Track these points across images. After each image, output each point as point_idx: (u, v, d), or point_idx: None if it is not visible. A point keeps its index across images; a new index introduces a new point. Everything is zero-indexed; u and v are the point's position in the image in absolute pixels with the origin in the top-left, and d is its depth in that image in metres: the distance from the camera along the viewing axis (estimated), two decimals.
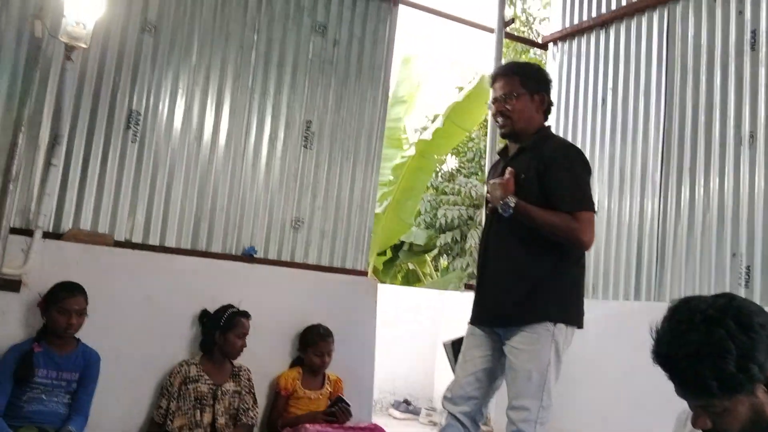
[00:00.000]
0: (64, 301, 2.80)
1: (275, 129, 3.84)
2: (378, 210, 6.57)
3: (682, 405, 1.56)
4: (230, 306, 3.26)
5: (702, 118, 3.69)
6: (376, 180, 4.18)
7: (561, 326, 2.31)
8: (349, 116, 4.06)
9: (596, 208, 2.37)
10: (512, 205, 2.29)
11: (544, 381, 2.27)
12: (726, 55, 3.62)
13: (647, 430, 3.43)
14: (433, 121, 8.61)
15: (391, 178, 6.64)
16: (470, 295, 2.62)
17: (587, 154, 4.30)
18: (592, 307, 4.01)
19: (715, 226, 3.48)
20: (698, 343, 1.22)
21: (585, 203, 2.31)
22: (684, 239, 3.63)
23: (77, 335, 2.88)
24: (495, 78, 2.54)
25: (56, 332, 2.79)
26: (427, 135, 6.60)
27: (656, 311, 1.36)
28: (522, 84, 2.47)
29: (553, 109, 4.71)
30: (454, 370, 2.62)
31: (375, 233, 6.20)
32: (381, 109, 4.19)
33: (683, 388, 1.27)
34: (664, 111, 3.91)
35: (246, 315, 3.24)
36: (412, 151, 6.62)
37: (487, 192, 2.47)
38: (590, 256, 4.20)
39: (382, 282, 7.63)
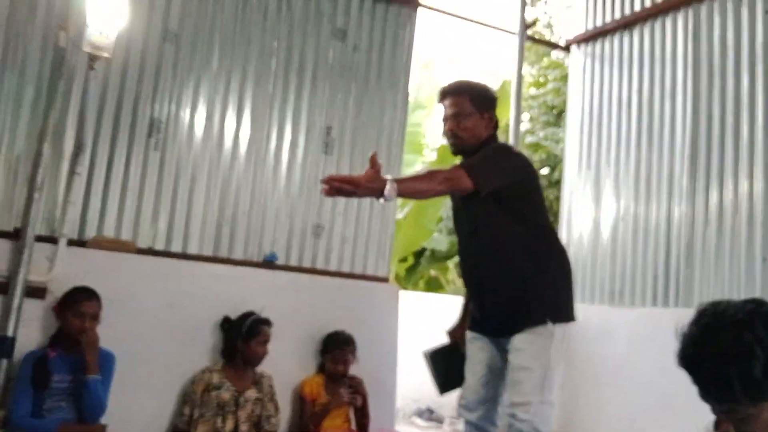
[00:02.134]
0: (79, 305, 2.81)
1: (296, 135, 3.84)
2: (399, 216, 6.55)
3: (709, 413, 1.52)
4: (252, 313, 3.26)
5: (730, 119, 3.61)
6: None
7: (559, 325, 2.34)
8: (370, 121, 4.05)
9: (480, 183, 2.22)
10: (391, 190, 2.06)
11: (545, 377, 2.29)
12: (753, 55, 3.55)
13: (676, 430, 3.37)
14: None
15: None
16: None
17: (611, 158, 4.32)
18: (619, 314, 4.00)
19: (745, 230, 3.40)
20: (725, 346, 1.19)
21: (469, 168, 2.24)
22: (713, 244, 3.55)
23: None
24: (444, 95, 2.54)
25: (70, 335, 2.80)
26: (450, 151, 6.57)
27: (684, 317, 1.34)
28: (472, 103, 2.48)
29: (576, 111, 4.74)
30: (434, 380, 2.69)
31: (396, 240, 6.19)
32: (401, 114, 4.18)
33: (707, 392, 1.24)
34: (691, 113, 3.84)
35: (267, 323, 3.23)
36: (433, 157, 6.60)
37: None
38: (616, 262, 4.14)
39: (404, 288, 7.60)
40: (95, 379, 2.77)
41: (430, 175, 2.26)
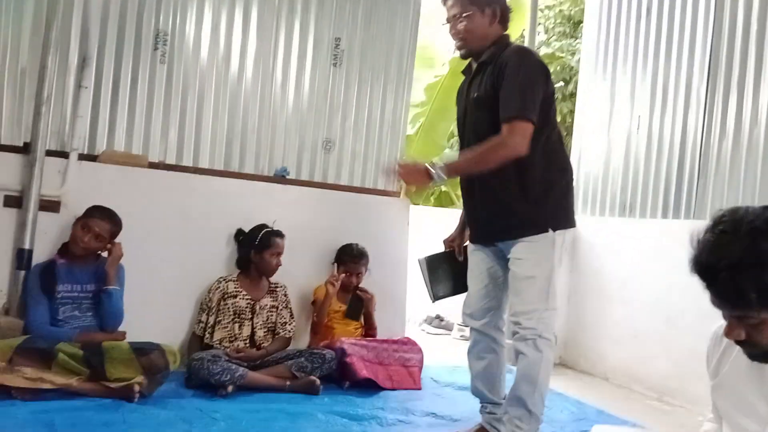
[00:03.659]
0: (89, 219, 2.88)
1: (303, 47, 3.75)
2: (410, 131, 6.48)
3: (716, 324, 1.53)
4: (264, 226, 3.30)
5: (755, 27, 3.46)
6: (408, 100, 4.10)
7: (560, 232, 2.35)
8: (379, 33, 3.94)
9: (533, 116, 2.23)
10: (442, 175, 2.23)
11: (548, 285, 2.31)
12: None
13: (679, 348, 3.45)
14: None
15: (423, 99, 6.50)
16: None
17: (628, 68, 4.20)
18: (628, 227, 4.01)
19: (762, 142, 3.33)
20: (741, 253, 1.17)
21: (519, 110, 2.23)
22: (728, 155, 3.49)
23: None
24: None
25: (75, 246, 2.87)
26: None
27: (697, 228, 1.31)
28: (471, 1, 2.39)
29: (594, 20, 4.57)
30: (428, 286, 2.72)
31: (407, 155, 6.15)
32: (412, 25, 4.05)
33: (721, 298, 1.24)
34: (713, 20, 3.68)
35: (280, 234, 3.28)
36: (444, 70, 6.45)
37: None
38: (628, 173, 4.10)
39: (415, 204, 7.63)
40: (116, 290, 2.87)
41: (489, 152, 2.25)
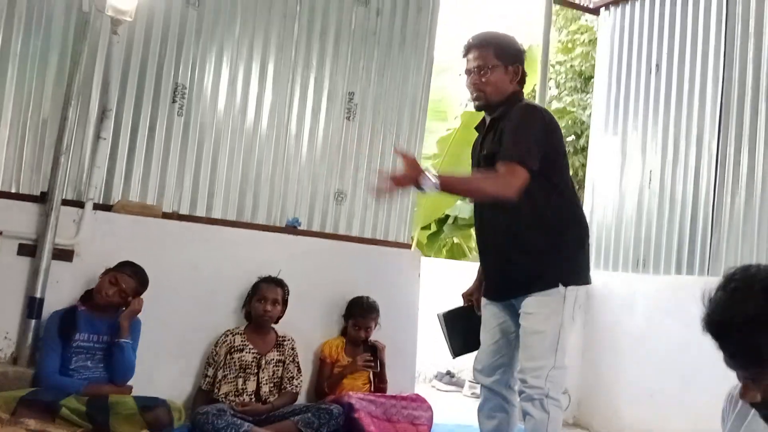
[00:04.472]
0: (118, 274, 2.91)
1: (318, 101, 3.82)
2: None
3: (733, 383, 1.50)
4: (267, 276, 3.31)
5: (764, 82, 3.50)
6: (420, 151, 4.14)
7: (572, 288, 2.31)
8: (393, 87, 4.00)
9: (532, 164, 2.24)
10: (435, 183, 2.16)
11: (557, 341, 2.27)
12: None
13: (696, 407, 3.35)
14: None
15: (436, 151, 6.57)
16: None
17: (639, 123, 4.23)
18: (642, 282, 3.96)
19: None
20: (755, 311, 1.15)
21: (516, 155, 2.24)
22: (741, 211, 3.47)
23: None
24: (468, 49, 2.49)
25: (98, 296, 2.89)
26: (472, 106, 6.48)
27: (710, 286, 1.29)
28: (496, 55, 2.42)
29: (604, 75, 4.64)
30: (447, 342, 2.68)
31: (419, 207, 6.18)
32: (425, 78, 4.12)
33: (734, 358, 1.21)
34: (722, 76, 3.72)
35: (272, 281, 3.27)
36: (457, 123, 6.52)
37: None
38: (641, 229, 4.08)
39: (427, 255, 7.60)
40: (128, 343, 2.87)
41: (485, 181, 2.27)
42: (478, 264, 2.77)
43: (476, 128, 2.65)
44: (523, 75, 2.50)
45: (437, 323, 2.74)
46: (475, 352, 2.61)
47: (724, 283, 1.24)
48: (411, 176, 2.14)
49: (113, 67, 3.29)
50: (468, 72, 2.48)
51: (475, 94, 2.47)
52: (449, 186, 2.26)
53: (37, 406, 2.46)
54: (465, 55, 2.51)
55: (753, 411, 1.34)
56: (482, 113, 2.58)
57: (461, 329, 2.68)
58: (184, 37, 3.50)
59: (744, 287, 1.18)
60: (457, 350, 2.70)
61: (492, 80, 2.41)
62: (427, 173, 2.14)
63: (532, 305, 2.29)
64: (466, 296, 2.75)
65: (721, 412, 1.51)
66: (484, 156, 2.41)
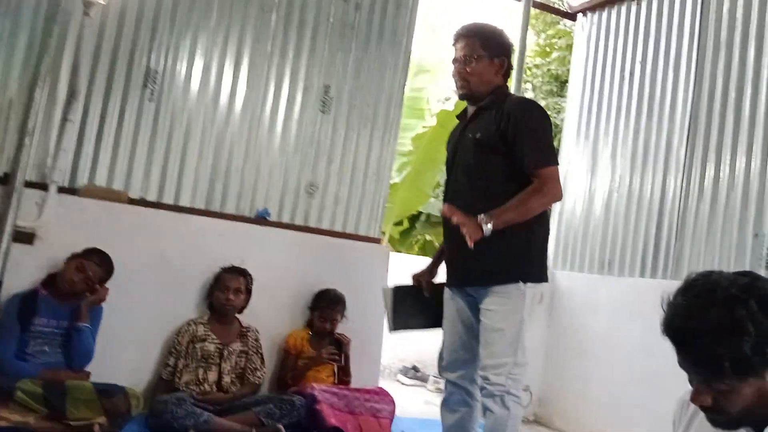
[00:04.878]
0: (85, 261, 2.87)
1: (293, 93, 3.80)
2: (396, 180, 6.53)
3: (684, 390, 1.51)
4: (229, 265, 3.29)
5: (732, 94, 3.56)
6: (394, 148, 4.14)
7: (531, 285, 2.34)
8: (369, 82, 4.00)
9: (557, 162, 2.38)
10: (490, 228, 2.21)
11: (518, 338, 2.29)
12: (762, 28, 3.47)
13: (658, 410, 3.39)
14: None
15: (411, 148, 6.58)
16: None
17: (610, 129, 4.29)
18: (606, 284, 4.01)
19: (739, 206, 3.38)
20: (718, 321, 1.15)
21: (547, 159, 2.32)
22: (705, 217, 3.54)
23: None
24: (457, 38, 2.53)
25: (63, 282, 2.84)
26: (449, 105, 6.51)
27: (672, 289, 1.30)
28: (482, 46, 2.46)
29: (578, 81, 4.69)
30: (390, 315, 2.67)
31: (392, 203, 6.18)
32: (401, 76, 4.12)
33: (693, 364, 1.21)
34: (693, 86, 3.78)
35: (233, 270, 3.26)
36: (433, 122, 6.54)
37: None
38: (608, 231, 4.14)
39: (398, 251, 7.62)
40: (87, 327, 2.82)
41: (533, 199, 2.28)
42: (436, 251, 2.79)
43: (458, 116, 2.67)
44: (509, 68, 2.53)
45: (382, 295, 2.71)
46: (417, 332, 2.63)
47: (685, 288, 1.24)
48: (475, 228, 2.18)
49: (84, 50, 3.23)
50: (455, 61, 2.51)
51: (459, 83, 2.50)
52: (504, 222, 2.24)
53: None
54: (453, 44, 2.54)
55: (702, 415, 1.36)
56: (463, 105, 2.61)
57: (407, 307, 2.67)
58: (158, 22, 3.46)
59: (705, 295, 1.18)
60: (399, 326, 2.67)
61: (477, 70, 2.44)
62: (480, 221, 2.19)
63: (493, 302, 2.31)
64: (416, 278, 2.75)
65: (672, 416, 1.52)
66: (476, 140, 2.41)
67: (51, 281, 2.90)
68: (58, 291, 2.86)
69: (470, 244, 2.14)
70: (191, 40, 3.54)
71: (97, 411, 2.48)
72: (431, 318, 2.66)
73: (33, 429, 2.39)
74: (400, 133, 4.50)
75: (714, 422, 1.29)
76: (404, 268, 4.69)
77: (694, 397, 1.25)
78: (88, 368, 2.85)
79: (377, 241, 3.98)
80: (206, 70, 3.58)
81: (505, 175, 2.36)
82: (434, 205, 7.80)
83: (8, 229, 2.94)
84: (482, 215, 2.20)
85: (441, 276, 2.77)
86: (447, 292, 2.58)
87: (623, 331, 3.71)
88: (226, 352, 3.14)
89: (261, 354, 3.28)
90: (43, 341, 2.79)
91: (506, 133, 2.34)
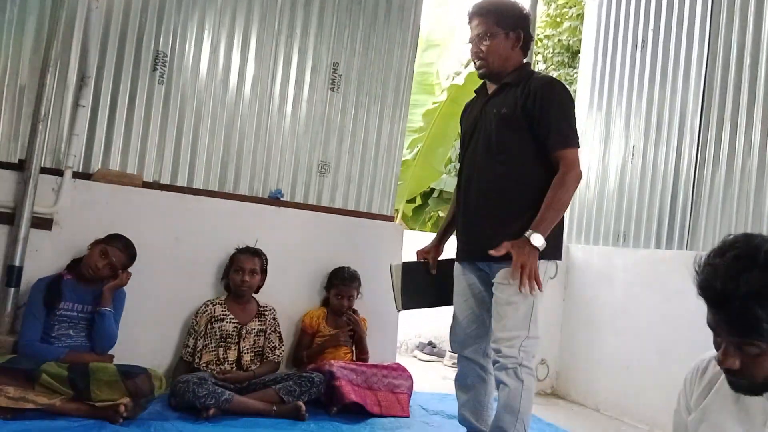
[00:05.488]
0: (109, 247, 2.91)
1: (302, 71, 3.78)
2: (408, 157, 6.51)
3: (699, 358, 1.51)
4: (244, 246, 3.32)
5: (747, 60, 3.50)
6: (404, 125, 4.12)
7: (543, 261, 2.32)
8: (378, 59, 3.97)
9: (578, 143, 2.38)
10: (542, 240, 2.25)
11: (531, 312, 2.29)
12: None
13: (672, 381, 3.40)
14: (466, 66, 8.42)
15: (422, 124, 6.54)
16: None
17: (623, 99, 4.24)
18: (621, 255, 4.00)
19: (755, 175, 3.34)
20: (760, 283, 1.14)
21: (570, 140, 2.33)
22: (721, 187, 3.50)
23: None
24: (471, 17, 2.50)
25: (87, 268, 2.88)
26: (459, 80, 6.45)
27: (688, 260, 1.29)
28: (496, 23, 2.43)
29: (590, 50, 4.62)
30: (398, 294, 2.68)
31: (404, 180, 6.17)
32: (410, 51, 4.08)
33: (730, 325, 1.20)
34: (707, 53, 3.72)
35: (248, 251, 3.28)
36: (443, 97, 6.49)
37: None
38: (622, 203, 4.12)
39: (411, 229, 7.63)
40: (109, 311, 2.87)
41: (559, 192, 2.28)
42: (441, 227, 2.80)
43: (476, 90, 2.65)
44: (527, 40, 2.50)
45: (389, 272, 2.71)
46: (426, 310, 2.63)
47: (724, 249, 1.22)
48: (533, 260, 2.22)
49: (92, 34, 3.22)
50: (470, 40, 2.49)
51: (477, 63, 2.47)
52: (548, 228, 2.26)
53: (17, 374, 2.45)
54: (468, 23, 2.51)
55: (720, 381, 1.36)
56: (477, 80, 2.58)
57: (415, 284, 2.68)
58: (165, 4, 3.44)
59: (746, 256, 1.17)
60: (406, 304, 2.67)
61: (493, 48, 2.42)
62: (531, 244, 2.21)
63: (506, 276, 2.30)
64: (422, 253, 2.75)
65: (683, 383, 1.52)
66: (501, 115, 2.39)
67: (75, 266, 2.94)
68: (82, 276, 2.90)
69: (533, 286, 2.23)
70: (198, 21, 3.53)
71: (120, 392, 2.52)
72: (440, 296, 2.66)
73: (59, 411, 2.44)
74: (410, 109, 4.47)
75: (735, 386, 1.29)
76: (417, 245, 4.72)
77: (723, 359, 1.24)
78: (111, 351, 2.90)
79: (390, 218, 3.99)
80: (214, 51, 3.57)
81: (526, 151, 2.35)
82: (446, 182, 7.79)
83: (26, 215, 2.98)
84: (529, 232, 2.23)
85: (447, 252, 2.77)
86: (457, 267, 2.57)
87: (638, 303, 3.71)
88: (244, 332, 3.18)
89: (279, 332, 3.32)
90: (68, 325, 2.84)
91: (531, 110, 2.32)
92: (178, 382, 2.80)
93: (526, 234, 2.22)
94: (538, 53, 8.83)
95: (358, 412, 3.01)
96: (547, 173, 2.33)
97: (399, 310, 2.75)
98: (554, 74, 8.57)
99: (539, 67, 8.73)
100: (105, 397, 2.51)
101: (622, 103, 4.28)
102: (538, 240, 2.22)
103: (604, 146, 4.37)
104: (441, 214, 8.60)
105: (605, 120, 4.40)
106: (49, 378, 2.47)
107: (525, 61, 2.53)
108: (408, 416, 3.15)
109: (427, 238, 6.19)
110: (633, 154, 4.11)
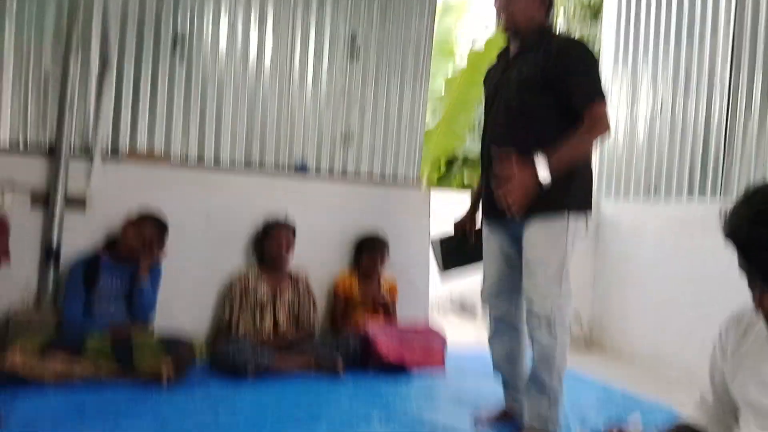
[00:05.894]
0: (142, 227, 2.98)
1: (320, 44, 3.78)
2: (430, 125, 6.47)
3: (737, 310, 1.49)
4: (275, 218, 3.37)
5: None
6: (426, 93, 4.10)
7: (575, 216, 2.29)
8: (396, 28, 3.94)
9: (605, 98, 2.30)
10: (546, 174, 2.15)
11: (562, 269, 2.27)
12: None
13: (702, 336, 3.37)
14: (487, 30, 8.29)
15: (443, 93, 6.49)
16: None
17: (649, 55, 4.14)
18: (652, 210, 3.96)
19: None
20: None
21: (596, 95, 2.27)
22: (754, 135, 3.41)
23: None
24: None
25: (122, 246, 2.96)
26: (479, 46, 6.36)
27: (726, 206, 1.28)
28: None
29: (614, 6, 4.51)
30: (439, 267, 2.73)
31: (428, 148, 6.15)
32: (429, 19, 4.04)
33: (761, 271, 1.20)
34: (735, 5, 3.60)
35: (279, 225, 3.33)
36: (463, 64, 6.41)
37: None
38: (652, 156, 4.06)
39: (439, 187, 7.61)
40: (146, 286, 2.96)
41: (582, 137, 2.23)
42: (470, 193, 2.79)
43: (498, 55, 2.62)
44: (551, 2, 2.45)
45: (431, 248, 2.78)
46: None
47: (748, 197, 1.21)
48: (521, 180, 2.13)
49: (111, 18, 3.26)
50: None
51: (503, 17, 2.42)
52: (560, 166, 2.17)
53: (63, 349, 2.55)
54: None
55: (758, 328, 1.35)
56: (496, 46, 2.54)
57: (455, 252, 2.72)
58: None
59: None
60: (447, 265, 2.74)
61: (520, 4, 2.37)
62: (534, 166, 2.13)
63: (535, 234, 2.28)
64: (459, 226, 2.76)
65: (719, 332, 1.50)
66: (522, 78, 2.35)
67: (111, 245, 3.03)
68: (119, 254, 2.98)
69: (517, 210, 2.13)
70: None
71: (163, 360, 2.60)
72: (479, 256, 2.69)
73: (105, 380, 2.53)
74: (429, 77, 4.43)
75: None
76: (445, 206, 4.72)
77: (762, 302, 1.24)
78: (151, 323, 2.99)
79: (416, 186, 3.99)
80: (232, 27, 3.58)
81: (548, 115, 2.31)
82: (470, 148, 7.74)
83: (60, 198, 3.05)
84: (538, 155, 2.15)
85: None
86: (485, 229, 2.56)
87: (671, 255, 3.68)
88: (278, 300, 3.25)
89: (313, 299, 3.38)
90: (108, 302, 2.93)
91: (554, 71, 2.27)
92: (217, 349, 2.88)
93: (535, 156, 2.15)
94: (560, 8, 8.64)
95: (394, 371, 3.07)
96: (566, 123, 2.27)
97: (441, 272, 2.80)
98: (577, 33, 8.40)
99: (561, 26, 8.55)
100: (148, 365, 2.59)
101: (648, 59, 4.19)
102: (542, 166, 2.13)
103: (632, 101, 4.29)
104: (466, 180, 8.57)
105: (631, 77, 4.32)
106: (94, 351, 2.55)
107: (547, 24, 2.49)
108: (443, 367, 3.20)
109: (454, 197, 6.19)
110: (661, 109, 4.04)
